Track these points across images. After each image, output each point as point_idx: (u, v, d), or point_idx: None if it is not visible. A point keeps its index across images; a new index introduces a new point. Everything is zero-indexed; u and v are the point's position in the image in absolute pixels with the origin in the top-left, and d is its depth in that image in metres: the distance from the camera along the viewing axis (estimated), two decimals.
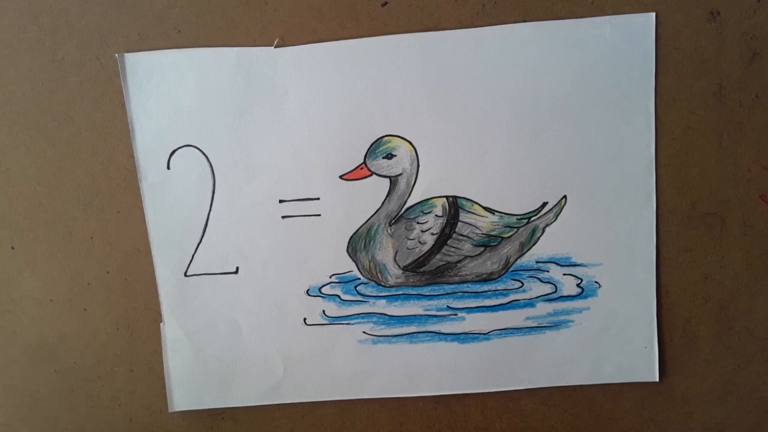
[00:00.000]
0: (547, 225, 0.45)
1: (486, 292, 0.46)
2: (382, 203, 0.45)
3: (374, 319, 0.46)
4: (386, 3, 0.42)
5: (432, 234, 0.45)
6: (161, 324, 0.47)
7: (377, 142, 0.44)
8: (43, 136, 0.45)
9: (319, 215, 0.45)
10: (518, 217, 0.44)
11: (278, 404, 0.48)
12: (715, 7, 0.42)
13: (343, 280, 0.46)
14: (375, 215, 0.45)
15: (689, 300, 0.46)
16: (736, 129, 0.43)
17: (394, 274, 0.46)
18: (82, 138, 0.45)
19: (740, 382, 0.47)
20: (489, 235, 0.45)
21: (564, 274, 0.45)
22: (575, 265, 0.45)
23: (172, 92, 0.44)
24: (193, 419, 0.48)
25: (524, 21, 0.42)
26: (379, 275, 0.46)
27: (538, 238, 0.45)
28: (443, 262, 0.45)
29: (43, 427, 0.49)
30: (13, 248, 0.47)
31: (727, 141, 0.44)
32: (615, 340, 0.46)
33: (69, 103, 0.44)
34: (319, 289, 0.46)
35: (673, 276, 0.45)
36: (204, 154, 0.44)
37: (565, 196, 0.44)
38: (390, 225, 0.45)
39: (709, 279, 0.45)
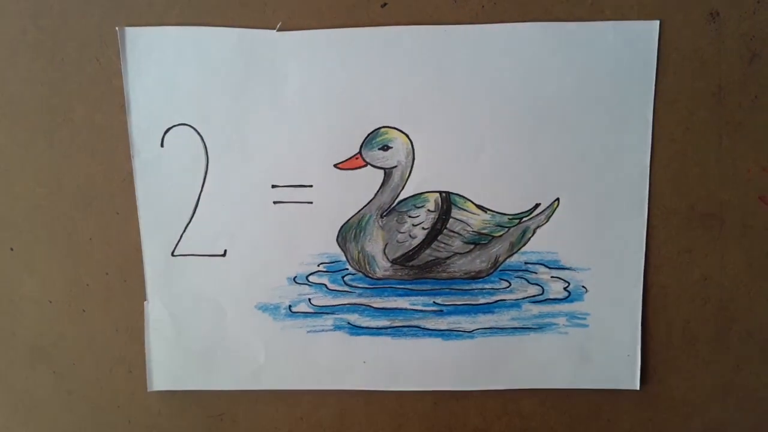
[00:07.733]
0: (538, 226, 0.45)
1: (473, 290, 0.46)
2: (375, 194, 0.44)
3: (359, 311, 0.46)
4: (386, 4, 0.42)
5: (423, 228, 0.45)
6: (145, 302, 0.46)
7: (374, 133, 0.44)
8: (43, 137, 0.45)
9: (311, 203, 0.44)
10: (510, 217, 0.44)
11: (278, 406, 0.48)
12: (715, 8, 0.42)
13: (331, 270, 0.46)
14: (367, 206, 0.45)
15: (688, 301, 0.45)
16: (736, 130, 0.43)
17: (382, 266, 0.46)
18: (81, 139, 0.45)
19: (740, 383, 0.47)
20: (480, 233, 0.45)
21: (552, 277, 0.45)
22: (563, 268, 0.45)
23: (171, 69, 0.43)
24: (191, 419, 0.48)
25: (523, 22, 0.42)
26: (367, 267, 0.46)
27: (529, 239, 0.45)
28: (432, 258, 0.45)
29: (42, 429, 0.49)
30: (12, 249, 0.47)
31: (727, 142, 0.43)
32: (598, 346, 0.45)
33: (68, 104, 0.44)
34: (307, 277, 0.46)
35: (673, 277, 0.45)
36: (199, 133, 0.44)
37: (558, 199, 0.44)
38: (381, 217, 0.45)
39: (708, 280, 0.45)
